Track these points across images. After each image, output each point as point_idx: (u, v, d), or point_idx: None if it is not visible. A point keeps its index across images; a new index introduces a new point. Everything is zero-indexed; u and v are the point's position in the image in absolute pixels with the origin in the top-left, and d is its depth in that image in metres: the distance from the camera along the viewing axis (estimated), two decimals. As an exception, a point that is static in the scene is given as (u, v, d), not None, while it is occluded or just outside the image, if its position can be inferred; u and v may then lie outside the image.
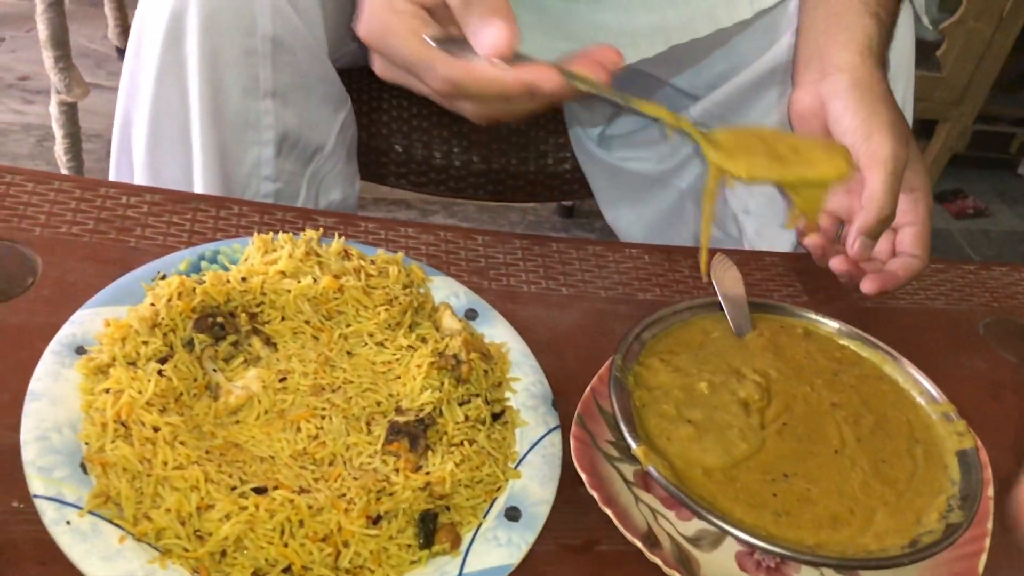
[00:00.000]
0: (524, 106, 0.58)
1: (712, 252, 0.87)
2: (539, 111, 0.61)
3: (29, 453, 0.56)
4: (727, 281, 0.76)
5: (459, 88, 0.56)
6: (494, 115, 0.59)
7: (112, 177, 0.98)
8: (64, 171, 1.64)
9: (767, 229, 1.00)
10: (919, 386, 0.72)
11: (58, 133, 1.62)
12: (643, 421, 0.65)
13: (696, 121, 1.04)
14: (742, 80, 0.95)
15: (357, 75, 1.17)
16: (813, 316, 0.76)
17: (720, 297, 0.75)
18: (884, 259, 0.81)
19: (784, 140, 0.61)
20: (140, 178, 0.93)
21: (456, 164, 1.17)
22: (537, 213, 1.98)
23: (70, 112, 1.61)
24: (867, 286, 0.77)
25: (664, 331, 0.72)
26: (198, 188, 0.90)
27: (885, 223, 0.75)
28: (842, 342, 0.75)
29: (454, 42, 0.57)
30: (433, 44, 0.56)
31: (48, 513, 0.53)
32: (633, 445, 0.62)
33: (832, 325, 0.75)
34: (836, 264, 0.78)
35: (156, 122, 0.88)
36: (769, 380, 0.69)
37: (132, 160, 0.93)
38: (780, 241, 0.99)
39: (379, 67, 0.62)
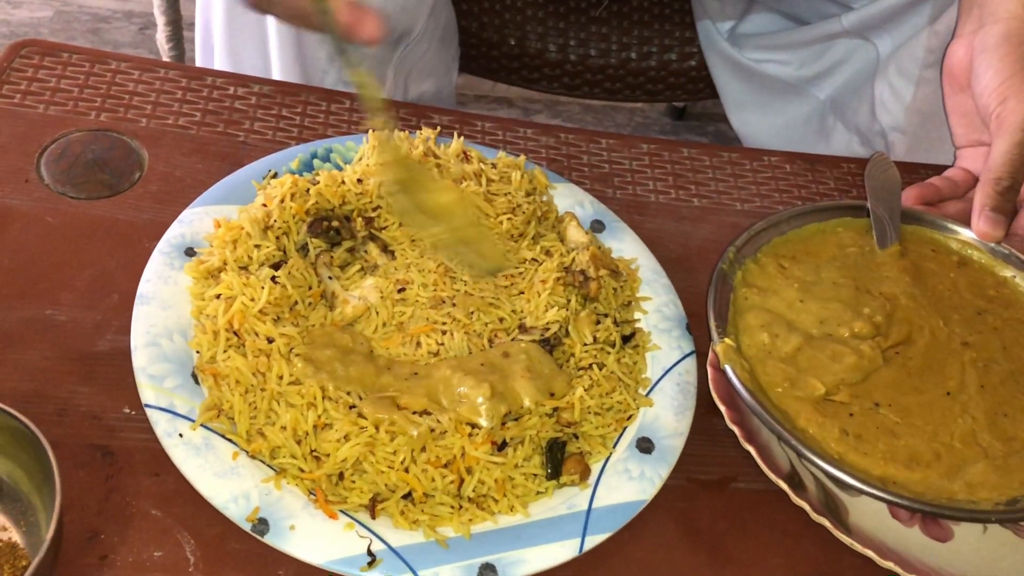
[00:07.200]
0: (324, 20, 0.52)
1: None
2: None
3: (140, 360, 0.53)
4: (882, 182, 0.67)
5: None
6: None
7: (198, 63, 0.94)
8: (166, 59, 1.61)
9: (919, 149, 0.90)
10: None
11: (160, 20, 1.58)
12: (739, 320, 0.59)
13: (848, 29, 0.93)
14: None
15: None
16: (977, 238, 0.67)
17: (869, 198, 0.66)
18: None
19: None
20: (220, 63, 0.88)
21: (572, 59, 1.09)
22: (645, 115, 1.88)
23: (172, -1, 1.57)
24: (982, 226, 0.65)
25: (795, 232, 0.65)
26: (276, 74, 0.85)
27: (1006, 195, 0.65)
28: (1005, 273, 0.66)
29: None
30: None
31: (160, 424, 0.51)
32: (716, 339, 0.57)
33: (998, 250, 0.66)
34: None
35: (232, 2, 0.83)
36: (896, 306, 0.62)
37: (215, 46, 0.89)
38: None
39: None
